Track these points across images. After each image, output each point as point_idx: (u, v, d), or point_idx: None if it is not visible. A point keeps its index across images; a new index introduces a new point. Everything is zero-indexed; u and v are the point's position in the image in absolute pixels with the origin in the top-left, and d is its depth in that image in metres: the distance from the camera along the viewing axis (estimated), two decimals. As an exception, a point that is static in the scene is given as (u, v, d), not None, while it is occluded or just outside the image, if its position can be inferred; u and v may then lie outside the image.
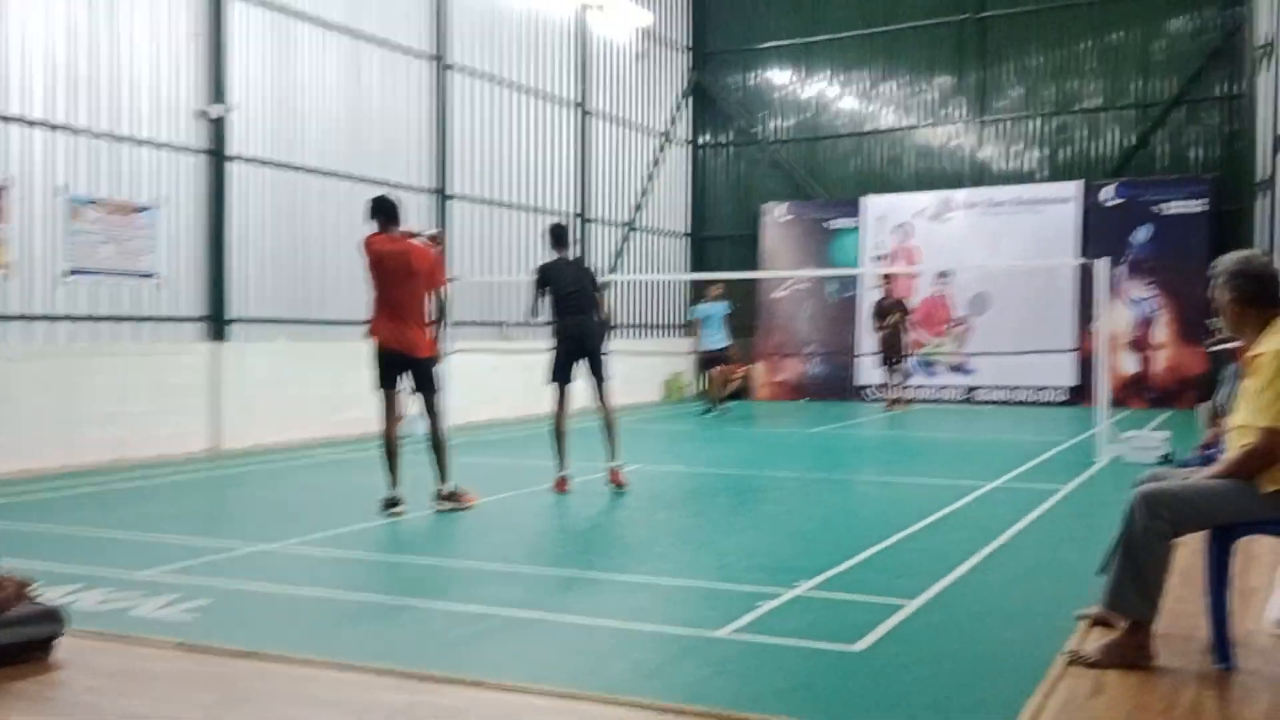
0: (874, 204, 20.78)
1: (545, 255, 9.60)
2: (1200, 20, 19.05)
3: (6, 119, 10.81)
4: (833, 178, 21.89)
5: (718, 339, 16.66)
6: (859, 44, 21.63)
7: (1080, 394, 18.42)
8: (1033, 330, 18.36)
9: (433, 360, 8.27)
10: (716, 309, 16.68)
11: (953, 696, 3.86)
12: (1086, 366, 17.79)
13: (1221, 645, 4.21)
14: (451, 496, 8.11)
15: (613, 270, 19.56)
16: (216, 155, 12.79)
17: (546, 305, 9.33)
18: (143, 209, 12.01)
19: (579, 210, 19.26)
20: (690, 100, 23.05)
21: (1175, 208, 18.46)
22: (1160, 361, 18.36)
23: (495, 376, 16.01)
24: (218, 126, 12.77)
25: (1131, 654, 4.19)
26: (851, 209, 21.00)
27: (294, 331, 13.84)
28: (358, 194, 14.65)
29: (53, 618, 4.43)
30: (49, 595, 4.88)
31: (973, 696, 3.86)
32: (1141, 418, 15.78)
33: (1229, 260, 4.45)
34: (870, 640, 4.55)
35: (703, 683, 4.05)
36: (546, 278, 9.32)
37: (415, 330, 8.10)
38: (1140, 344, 18.47)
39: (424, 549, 6.98)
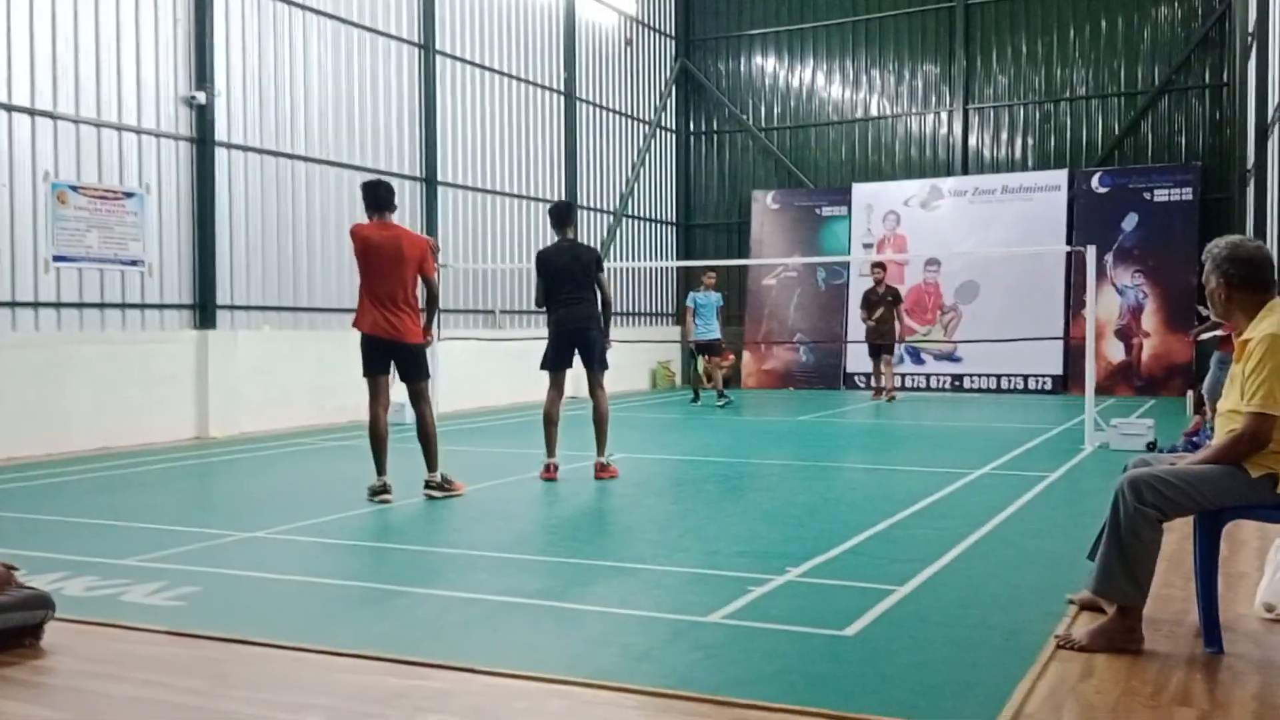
0: (863, 192, 20.80)
1: (540, 241, 9.52)
2: (1187, 8, 19.10)
3: (-9, 104, 10.76)
4: (821, 165, 21.90)
5: (710, 329, 16.61)
6: (847, 31, 21.63)
7: (1067, 381, 18.50)
8: (1020, 318, 18.39)
9: (422, 346, 8.19)
10: (711, 299, 16.64)
11: (942, 680, 3.86)
12: (1074, 354, 17.86)
13: (1210, 629, 4.23)
14: (440, 484, 8.09)
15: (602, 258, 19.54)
16: (203, 142, 12.73)
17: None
18: (129, 195, 11.96)
19: (567, 198, 19.22)
20: (678, 87, 23.02)
21: (1162, 195, 18.52)
22: (1147, 349, 18.42)
23: (483, 364, 15.99)
24: (204, 113, 12.71)
25: (1120, 638, 4.21)
26: (841, 196, 21.02)
27: (282, 319, 13.80)
28: (346, 181, 14.65)
29: (41, 603, 4.41)
30: (35, 582, 4.85)
31: (962, 680, 3.87)
32: (1128, 405, 15.84)
33: (1219, 245, 4.45)
34: (860, 625, 4.56)
35: (693, 667, 4.05)
36: (541, 264, 9.21)
37: (405, 317, 8.02)
38: (1127, 331, 18.54)
39: (412, 536, 6.97)
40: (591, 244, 19.69)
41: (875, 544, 6.32)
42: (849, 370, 20.37)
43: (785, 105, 22.29)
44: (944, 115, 20.86)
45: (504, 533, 6.85)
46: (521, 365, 16.51)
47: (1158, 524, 4.20)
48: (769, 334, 21.09)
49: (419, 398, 8.18)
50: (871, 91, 21.51)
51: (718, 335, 16.72)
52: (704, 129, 23.25)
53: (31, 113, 11.07)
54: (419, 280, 8.14)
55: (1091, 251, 11.61)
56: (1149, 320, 18.44)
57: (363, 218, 8.43)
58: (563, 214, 9.41)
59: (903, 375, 19.44)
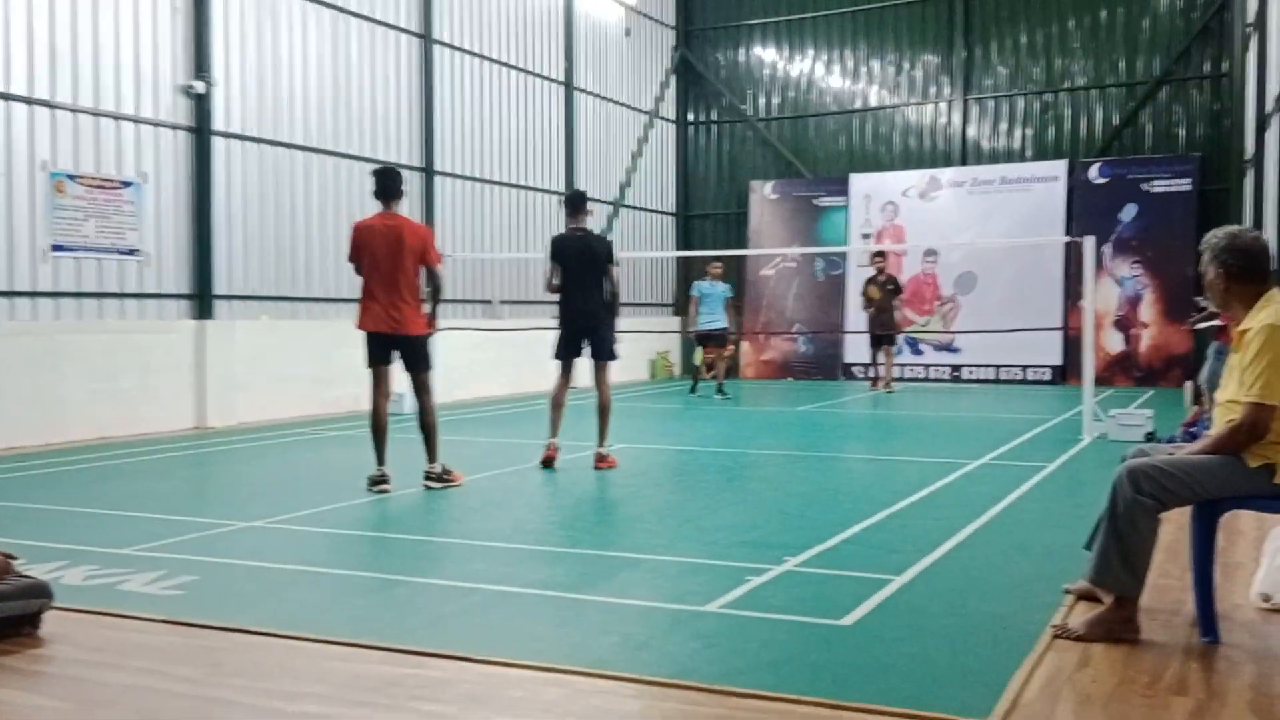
0: (862, 182, 20.78)
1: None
2: (1187, -1, 19.05)
3: (-12, 93, 10.74)
4: (820, 155, 21.88)
5: (715, 319, 16.51)
6: (846, 21, 21.59)
7: (1066, 372, 18.51)
8: (1019, 309, 18.39)
9: (425, 337, 8.19)
10: (717, 289, 16.55)
11: (940, 669, 3.87)
12: (1072, 345, 17.85)
13: (1207, 619, 4.23)
14: (439, 475, 8.09)
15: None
16: (201, 131, 12.70)
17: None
18: (126, 185, 11.94)
19: (566, 189, 19.19)
20: (677, 77, 22.98)
21: (1161, 186, 18.51)
22: (1145, 339, 18.42)
23: (481, 354, 15.99)
24: (202, 102, 12.68)
25: (1118, 628, 4.21)
26: (839, 187, 20.99)
27: (280, 309, 13.79)
28: (344, 171, 14.64)
29: (39, 591, 4.41)
30: (34, 571, 4.85)
31: (960, 669, 3.87)
32: (1127, 396, 15.85)
33: (1218, 236, 4.45)
34: (858, 614, 4.56)
35: (691, 656, 4.05)
36: (555, 251, 9.25)
37: (408, 308, 8.01)
38: (1126, 322, 18.54)
39: (410, 526, 6.97)
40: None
41: (873, 534, 6.33)
42: (847, 361, 20.37)
43: (784, 96, 22.25)
44: (943, 106, 20.83)
45: (502, 522, 6.85)
46: (519, 355, 16.60)
47: (1155, 514, 4.20)
48: (767, 324, 21.09)
49: (421, 388, 8.18)
50: (870, 82, 21.47)
51: (722, 325, 16.66)
52: (703, 119, 23.21)
53: (29, 101, 11.05)
54: (421, 270, 8.12)
55: (1090, 242, 11.61)
56: (1147, 311, 18.44)
57: (361, 208, 8.41)
58: (577, 203, 9.44)
59: (901, 366, 19.43)
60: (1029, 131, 20.20)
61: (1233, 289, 4.38)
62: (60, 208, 11.28)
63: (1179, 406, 13.80)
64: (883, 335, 17.21)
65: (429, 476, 8.07)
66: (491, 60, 17.55)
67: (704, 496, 7.80)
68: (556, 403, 9.22)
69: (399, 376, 8.27)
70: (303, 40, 14.15)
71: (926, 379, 19.71)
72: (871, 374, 18.19)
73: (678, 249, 22.78)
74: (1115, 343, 18.57)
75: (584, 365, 9.48)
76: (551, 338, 9.47)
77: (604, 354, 9.23)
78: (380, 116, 15.36)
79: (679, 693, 3.66)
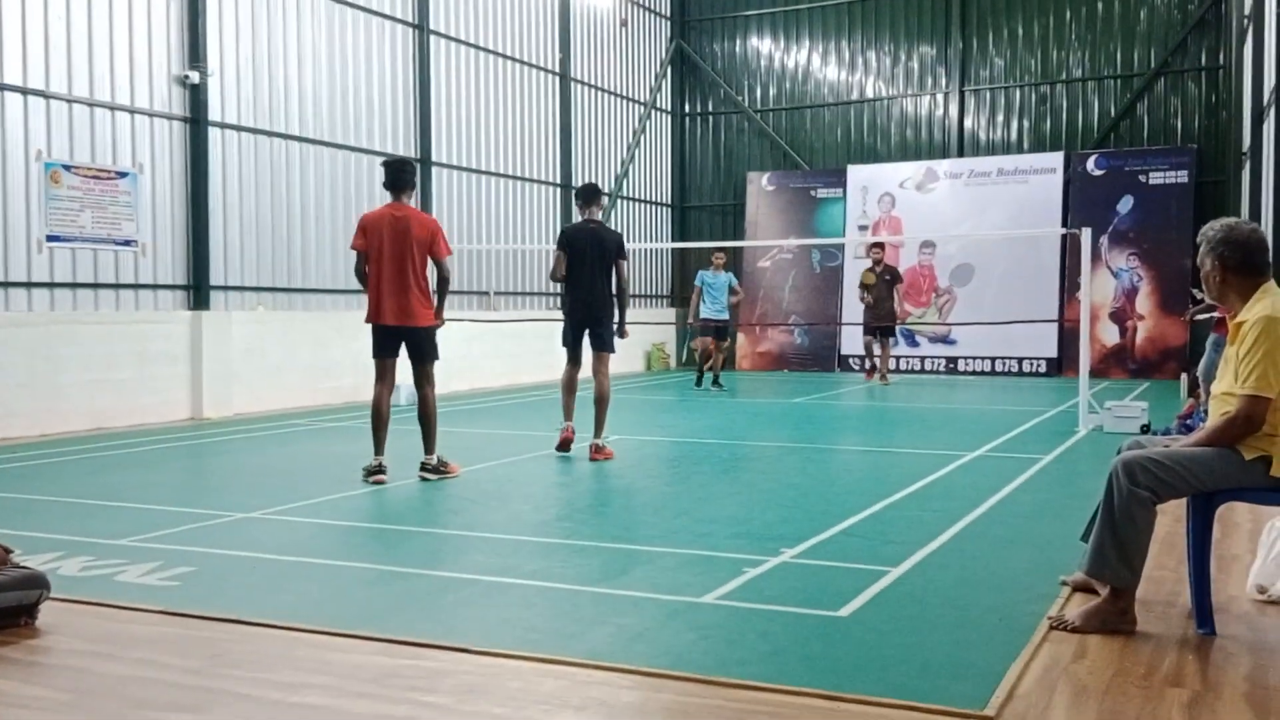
0: (858, 173, 20.77)
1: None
2: (1185, -10, 19.05)
3: (-17, 83, 10.71)
4: (817, 147, 21.87)
5: (719, 309, 16.48)
6: (843, 12, 21.58)
7: (1062, 364, 18.53)
8: (1015, 301, 18.41)
9: (433, 329, 8.21)
10: (720, 279, 16.52)
11: (936, 661, 3.87)
12: (1068, 337, 17.87)
13: (1202, 611, 4.24)
14: (435, 467, 8.09)
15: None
16: (196, 122, 12.68)
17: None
18: (122, 175, 11.91)
19: (562, 180, 19.18)
20: (673, 68, 22.96)
21: (1158, 178, 18.52)
22: (1142, 332, 18.44)
23: (477, 345, 15.98)
24: (197, 92, 12.65)
25: (1114, 619, 4.22)
26: (836, 178, 20.99)
27: (276, 299, 13.77)
28: (340, 161, 14.61)
29: (36, 582, 4.41)
30: (31, 562, 4.86)
31: (956, 660, 3.88)
32: (1122, 388, 15.87)
33: (1214, 228, 4.45)
34: (854, 606, 4.57)
35: (688, 647, 4.06)
36: (565, 242, 9.29)
37: (416, 300, 8.03)
38: (1122, 314, 18.55)
39: (407, 517, 6.97)
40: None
41: (869, 525, 6.34)
42: (844, 352, 20.37)
43: (781, 87, 22.23)
44: (940, 97, 20.82)
45: (498, 514, 6.85)
46: (515, 346, 16.61)
47: (1151, 506, 4.21)
48: (764, 316, 21.09)
49: (424, 379, 8.19)
50: (867, 73, 21.46)
51: (726, 317, 16.63)
52: (699, 110, 23.20)
53: (24, 91, 11.02)
54: (429, 262, 8.13)
55: (1087, 234, 11.61)
56: (1144, 303, 18.46)
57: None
58: (590, 195, 9.55)
59: (897, 357, 19.43)
60: (1026, 123, 20.20)
61: (1229, 281, 4.39)
62: (56, 198, 11.25)
63: (1174, 399, 13.83)
64: (879, 326, 17.19)
65: (425, 468, 8.07)
66: (487, 51, 17.52)
67: (700, 488, 7.80)
68: (568, 387, 9.38)
69: (402, 367, 8.28)
70: (298, 31, 14.12)
71: (923, 371, 19.73)
72: (866, 365, 18.17)
73: (674, 240, 22.77)
74: (1111, 335, 18.59)
75: (587, 356, 9.51)
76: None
77: (603, 345, 9.30)
78: (376, 107, 15.33)
79: (676, 683, 3.67)
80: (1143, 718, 3.38)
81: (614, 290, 9.31)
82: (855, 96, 21.55)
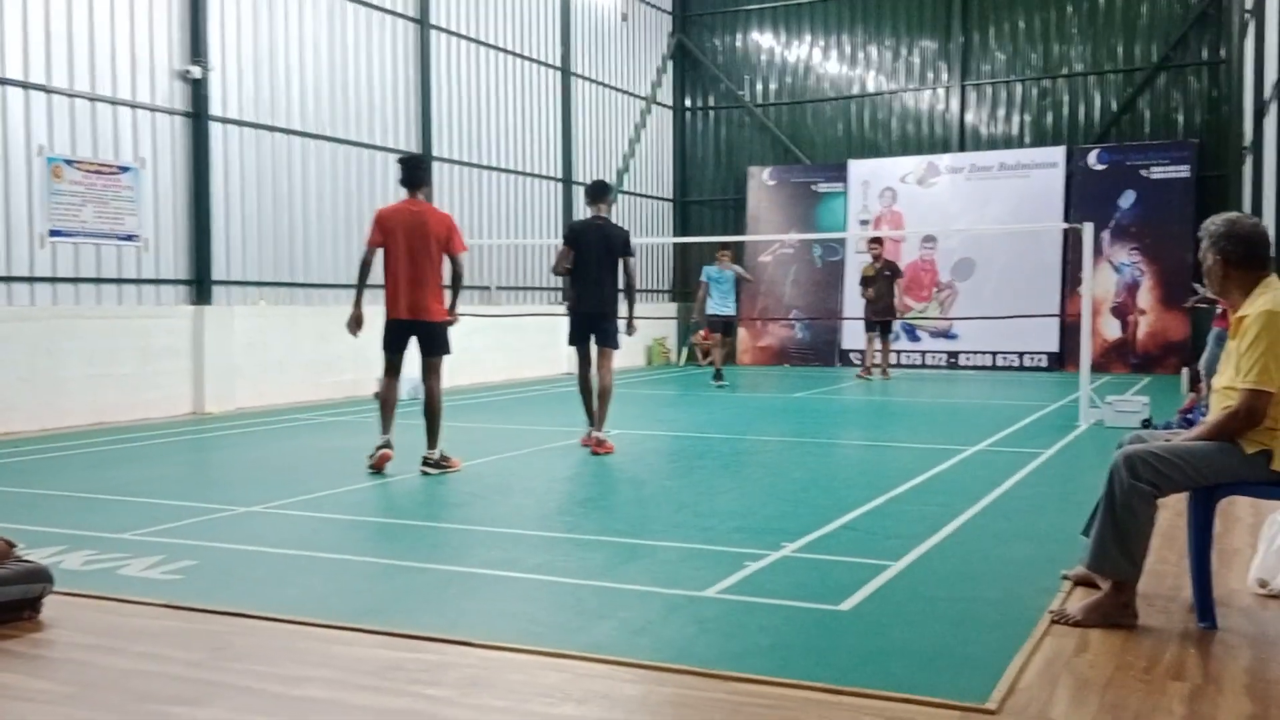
0: (860, 168, 20.76)
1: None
2: (1186, -16, 19.02)
3: (-16, 78, 10.71)
4: (818, 141, 21.85)
5: (726, 304, 16.46)
6: (844, 6, 21.55)
7: (1063, 359, 18.52)
8: (1016, 295, 18.41)
9: (445, 324, 8.27)
10: (726, 274, 16.50)
11: (938, 654, 3.88)
12: (1070, 331, 17.86)
13: (1204, 604, 4.25)
14: (437, 462, 8.10)
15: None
16: (198, 116, 12.68)
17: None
18: (124, 170, 11.91)
19: (563, 174, 19.18)
20: (674, 63, 22.93)
21: (1160, 173, 18.50)
22: (1143, 326, 18.44)
23: (479, 340, 15.97)
24: (199, 87, 12.65)
25: (1115, 613, 4.23)
26: (837, 173, 20.97)
27: (278, 294, 13.78)
28: (341, 156, 14.61)
29: (39, 576, 4.43)
30: (34, 556, 4.86)
31: (958, 654, 3.88)
32: (1124, 382, 15.87)
33: (1216, 222, 4.45)
34: (855, 600, 4.58)
35: (689, 641, 4.07)
36: (573, 238, 9.32)
37: (431, 295, 8.10)
38: (1123, 309, 18.55)
39: (410, 511, 6.98)
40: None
41: (871, 520, 6.34)
42: (845, 347, 20.36)
43: (782, 81, 22.21)
44: (941, 91, 20.79)
45: (500, 508, 6.86)
46: (516, 341, 16.60)
47: (1152, 500, 4.21)
48: (765, 311, 21.09)
49: (431, 372, 8.23)
50: (868, 67, 21.44)
51: (731, 312, 16.61)
52: (700, 105, 23.18)
53: (25, 86, 11.01)
54: (444, 258, 8.17)
55: (1088, 229, 11.61)
56: (1145, 297, 18.45)
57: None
58: (597, 191, 9.58)
59: (898, 352, 19.42)
60: (1027, 117, 20.18)
61: (1231, 275, 4.39)
62: (58, 193, 11.25)
63: (1176, 393, 13.83)
64: (879, 321, 17.18)
65: (426, 462, 8.08)
66: (488, 46, 17.51)
67: (702, 482, 7.81)
68: (586, 387, 9.41)
69: (410, 360, 8.31)
70: (299, 25, 14.11)
71: (924, 365, 19.72)
72: (867, 360, 18.13)
73: (675, 235, 22.75)
74: (1112, 329, 18.58)
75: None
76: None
77: (608, 341, 9.34)
78: (377, 102, 15.33)
79: (677, 677, 3.68)
80: (1144, 711, 3.39)
81: (621, 287, 9.34)
82: (856, 91, 21.53)
